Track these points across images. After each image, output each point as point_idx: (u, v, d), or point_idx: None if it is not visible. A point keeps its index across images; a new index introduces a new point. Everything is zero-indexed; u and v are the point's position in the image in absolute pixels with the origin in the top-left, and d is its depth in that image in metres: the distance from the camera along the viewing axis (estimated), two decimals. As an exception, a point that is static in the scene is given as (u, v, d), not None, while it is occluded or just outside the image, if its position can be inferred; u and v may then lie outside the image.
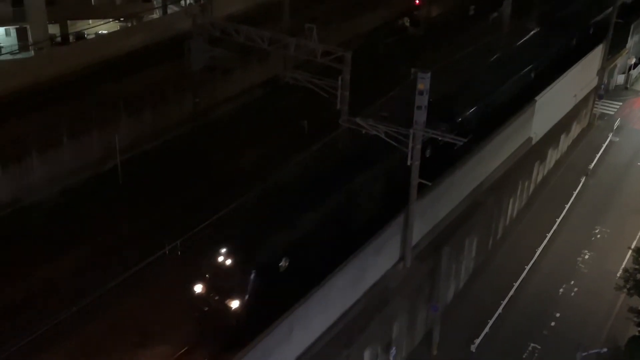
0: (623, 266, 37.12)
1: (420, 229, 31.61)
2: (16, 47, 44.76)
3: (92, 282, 26.57)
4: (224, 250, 24.56)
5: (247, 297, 23.78)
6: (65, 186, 33.57)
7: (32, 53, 44.08)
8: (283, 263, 24.91)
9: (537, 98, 40.94)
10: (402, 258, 30.99)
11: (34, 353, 23.80)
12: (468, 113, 36.36)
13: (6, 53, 43.11)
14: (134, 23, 51.70)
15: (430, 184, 29.67)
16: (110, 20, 49.87)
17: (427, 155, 30.96)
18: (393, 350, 29.92)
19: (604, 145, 50.85)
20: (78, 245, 29.42)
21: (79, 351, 24.08)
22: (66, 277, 27.60)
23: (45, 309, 25.34)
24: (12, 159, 32.44)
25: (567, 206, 43.82)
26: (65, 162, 34.24)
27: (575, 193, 45.19)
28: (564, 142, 49.02)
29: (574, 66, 46.11)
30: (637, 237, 40.99)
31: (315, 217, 27.53)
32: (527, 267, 38.38)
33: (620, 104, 57.49)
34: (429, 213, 32.26)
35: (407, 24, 57.13)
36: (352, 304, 28.23)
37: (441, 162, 32.70)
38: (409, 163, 28.07)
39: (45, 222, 31.15)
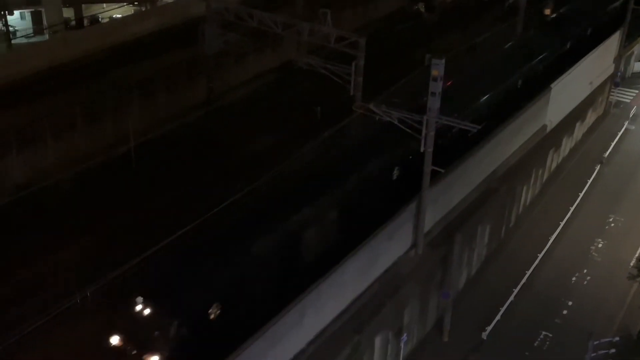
0: (637, 255, 37.00)
1: (432, 216, 31.55)
2: (31, 31, 44.93)
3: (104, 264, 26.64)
4: None
5: None
6: (78, 170, 33.70)
7: (46, 37, 44.24)
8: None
9: (552, 85, 40.63)
10: (414, 245, 30.97)
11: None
12: (482, 100, 36.16)
13: (21, 37, 43.27)
14: (148, 7, 51.71)
15: (443, 170, 29.58)
16: (125, 4, 49.92)
17: (447, 139, 30.74)
18: (404, 337, 29.98)
19: (620, 133, 50.47)
20: (89, 229, 29.51)
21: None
22: (77, 260, 27.71)
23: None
24: (26, 142, 32.61)
25: (581, 194, 43.58)
26: (79, 146, 34.38)
27: (589, 181, 44.92)
28: (579, 129, 48.68)
29: (590, 53, 45.70)
30: (652, 226, 40.83)
31: (327, 203, 27.57)
32: (540, 255, 38.26)
33: (637, 91, 56.90)
34: (441, 200, 32.18)
35: (422, 9, 56.73)
36: (364, 290, 28.27)
37: (455, 149, 32.59)
38: (422, 150, 27.99)
39: (57, 206, 31.28)
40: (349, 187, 28.69)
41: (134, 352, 21.87)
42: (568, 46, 45.60)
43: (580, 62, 44.14)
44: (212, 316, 23.10)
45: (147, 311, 22.24)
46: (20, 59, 37.07)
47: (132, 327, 22.34)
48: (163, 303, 22.67)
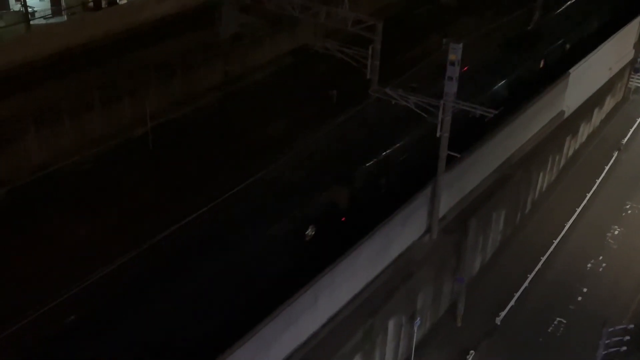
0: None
1: (447, 201, 31.51)
2: (49, 12, 45.02)
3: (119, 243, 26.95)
4: None
5: None
6: (96, 151, 33.97)
7: (64, 18, 44.35)
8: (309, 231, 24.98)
9: (571, 70, 40.27)
10: (428, 230, 30.98)
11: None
12: (500, 84, 35.96)
13: (39, 17, 43.36)
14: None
15: (459, 155, 29.50)
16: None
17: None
18: (417, 321, 30.06)
19: (638, 120, 49.97)
20: (106, 209, 29.79)
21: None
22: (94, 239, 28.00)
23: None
24: (44, 123, 32.87)
25: (598, 181, 43.29)
26: (97, 127, 34.61)
27: (606, 168, 44.60)
28: (597, 115, 48.26)
29: (610, 39, 45.18)
30: (669, 213, 40.54)
31: (344, 186, 27.65)
32: (555, 242, 38.13)
33: (657, 78, 56.28)
34: (456, 185, 32.12)
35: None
36: (378, 274, 28.36)
37: (471, 134, 32.48)
38: (438, 135, 27.92)
39: (75, 186, 31.58)
40: (364, 171, 28.73)
41: None
42: (588, 31, 45.13)
43: (599, 47, 43.67)
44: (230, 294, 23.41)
45: None
46: (39, 40, 37.22)
47: None
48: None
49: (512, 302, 34.01)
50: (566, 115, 42.20)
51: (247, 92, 40.28)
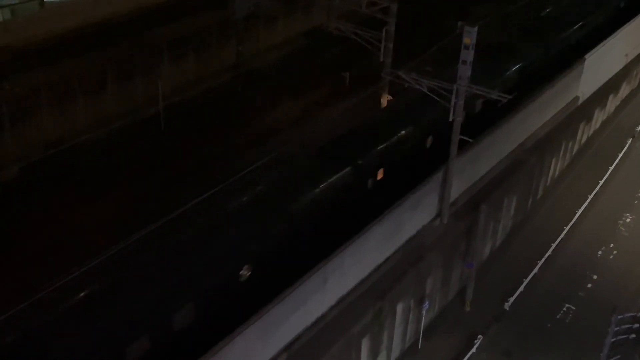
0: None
1: (459, 186, 31.42)
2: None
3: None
4: None
5: None
6: (108, 130, 34.08)
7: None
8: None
9: (586, 56, 39.89)
10: (439, 214, 30.93)
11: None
12: (514, 69, 35.68)
13: (53, -5, 43.35)
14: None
15: (471, 140, 29.36)
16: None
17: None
18: (426, 305, 30.12)
19: (654, 107, 49.59)
20: (116, 188, 29.92)
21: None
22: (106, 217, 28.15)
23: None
24: (57, 101, 32.97)
25: (611, 168, 43.02)
26: (109, 106, 34.69)
27: (620, 155, 44.29)
28: (612, 102, 47.83)
29: (627, 24, 44.67)
30: (682, 202, 40.27)
31: (355, 169, 27.61)
32: (566, 228, 38.00)
33: (674, 65, 55.70)
34: (468, 170, 32.01)
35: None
36: (387, 257, 28.39)
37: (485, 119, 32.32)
38: (451, 119, 27.78)
39: (87, 163, 31.74)
40: (375, 154, 28.67)
41: None
42: (605, 16, 44.63)
43: (616, 33, 43.19)
44: (242, 277, 23.45)
45: None
46: (51, 18, 37.22)
47: None
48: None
49: (521, 288, 33.99)
50: (581, 101, 41.87)
51: (259, 73, 40.22)
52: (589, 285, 34.81)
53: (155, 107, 35.01)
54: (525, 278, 34.54)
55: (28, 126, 32.14)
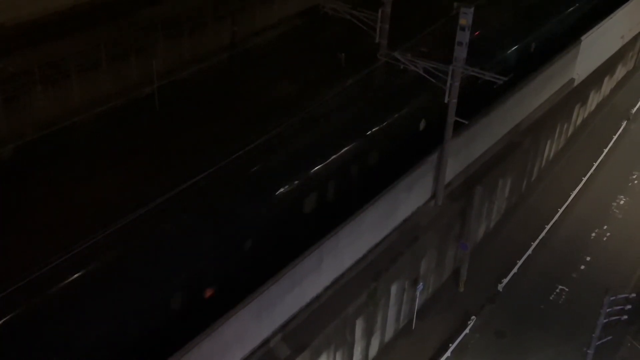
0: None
1: (453, 168, 31.46)
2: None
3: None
4: None
5: None
6: (102, 110, 33.87)
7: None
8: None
9: (582, 38, 39.79)
10: (433, 196, 30.99)
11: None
12: (510, 51, 35.58)
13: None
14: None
15: (466, 122, 29.35)
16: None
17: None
18: (420, 286, 30.27)
19: (649, 90, 49.62)
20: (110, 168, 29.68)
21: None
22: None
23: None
24: (51, 81, 32.75)
25: (606, 150, 43.13)
26: (103, 86, 34.47)
27: (615, 137, 44.38)
28: (607, 84, 47.84)
29: (623, 6, 44.56)
30: (676, 184, 40.43)
31: (350, 150, 27.59)
32: (560, 210, 38.15)
33: (669, 47, 55.63)
34: (463, 151, 32.03)
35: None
36: (382, 238, 28.48)
37: (479, 100, 32.26)
38: (446, 100, 27.74)
39: (81, 143, 31.52)
40: (370, 136, 28.63)
41: None
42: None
43: (612, 14, 43.08)
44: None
45: None
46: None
47: None
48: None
49: (514, 269, 34.18)
50: (576, 83, 41.85)
51: (255, 53, 39.96)
52: (582, 267, 35.01)
53: (150, 86, 34.78)
54: (519, 259, 34.73)
55: (22, 106, 31.94)
